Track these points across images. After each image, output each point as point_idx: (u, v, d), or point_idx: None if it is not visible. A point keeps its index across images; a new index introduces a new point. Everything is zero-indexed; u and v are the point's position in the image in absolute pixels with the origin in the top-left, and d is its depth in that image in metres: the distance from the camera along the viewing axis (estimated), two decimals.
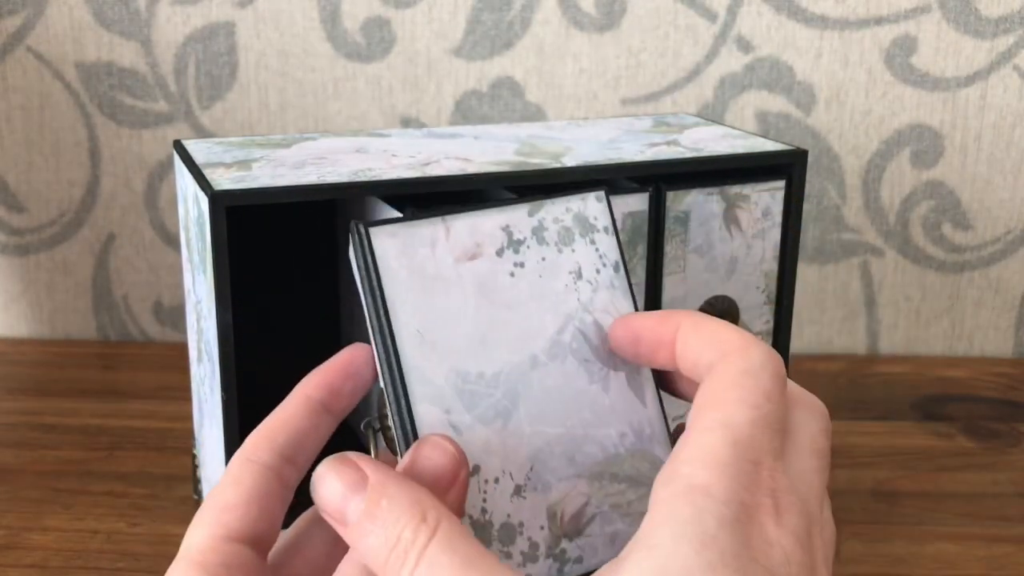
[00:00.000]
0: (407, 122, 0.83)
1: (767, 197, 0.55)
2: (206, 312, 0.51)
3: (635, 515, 0.38)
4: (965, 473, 0.68)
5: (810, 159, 0.81)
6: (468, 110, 0.83)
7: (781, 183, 0.55)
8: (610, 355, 0.39)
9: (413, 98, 0.82)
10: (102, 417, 0.75)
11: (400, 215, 0.46)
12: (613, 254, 0.40)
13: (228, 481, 0.37)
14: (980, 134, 0.82)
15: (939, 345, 0.87)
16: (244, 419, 0.50)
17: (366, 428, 0.39)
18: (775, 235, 0.56)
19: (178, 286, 0.87)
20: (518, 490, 0.37)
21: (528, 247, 0.39)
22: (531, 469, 0.37)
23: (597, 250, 0.40)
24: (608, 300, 0.40)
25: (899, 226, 0.84)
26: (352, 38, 0.81)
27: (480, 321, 0.37)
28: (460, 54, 0.81)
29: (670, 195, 0.53)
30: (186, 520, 0.64)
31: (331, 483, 0.33)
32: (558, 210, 0.40)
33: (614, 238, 0.41)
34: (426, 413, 0.36)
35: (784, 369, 0.35)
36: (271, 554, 0.39)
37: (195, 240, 0.52)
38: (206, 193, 0.47)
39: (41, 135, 0.84)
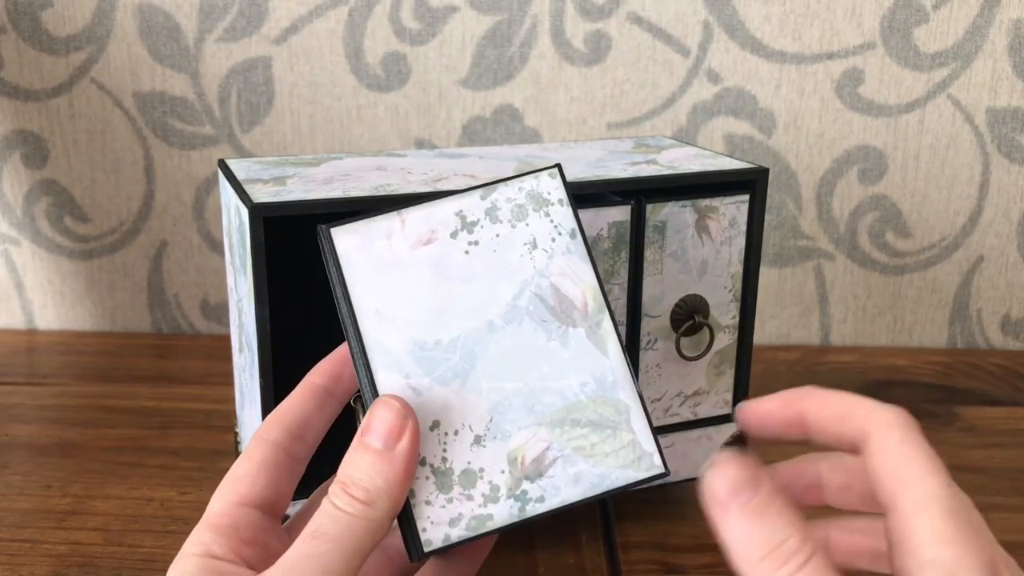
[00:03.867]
0: (421, 144, 0.83)
1: (733, 209, 0.55)
2: (246, 309, 0.51)
3: (598, 456, 0.38)
4: None
5: (771, 176, 0.81)
6: (474, 133, 0.83)
7: (745, 197, 0.55)
8: (568, 313, 0.39)
9: (426, 123, 0.82)
10: (156, 400, 0.75)
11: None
12: (568, 223, 0.40)
13: (242, 457, 0.38)
14: (919, 154, 0.82)
15: (883, 337, 0.87)
16: (279, 402, 0.50)
17: (355, 403, 0.40)
18: (740, 242, 0.56)
19: (222, 286, 0.87)
20: (477, 440, 0.37)
21: (482, 227, 0.39)
22: (490, 420, 0.37)
23: (552, 221, 0.40)
24: (565, 264, 0.39)
25: (848, 234, 0.84)
26: (373, 71, 0.81)
27: (437, 297, 0.38)
28: (467, 84, 0.81)
29: (649, 207, 0.53)
30: None
31: (731, 471, 0.33)
32: (510, 191, 0.40)
33: (569, 208, 0.40)
34: (386, 379, 0.37)
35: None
36: (289, 520, 0.39)
37: (237, 246, 0.52)
38: (246, 205, 0.47)
39: (103, 155, 0.84)
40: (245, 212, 0.47)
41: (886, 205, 0.84)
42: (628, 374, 0.39)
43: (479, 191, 0.40)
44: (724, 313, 0.56)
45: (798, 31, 0.79)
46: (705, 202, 0.54)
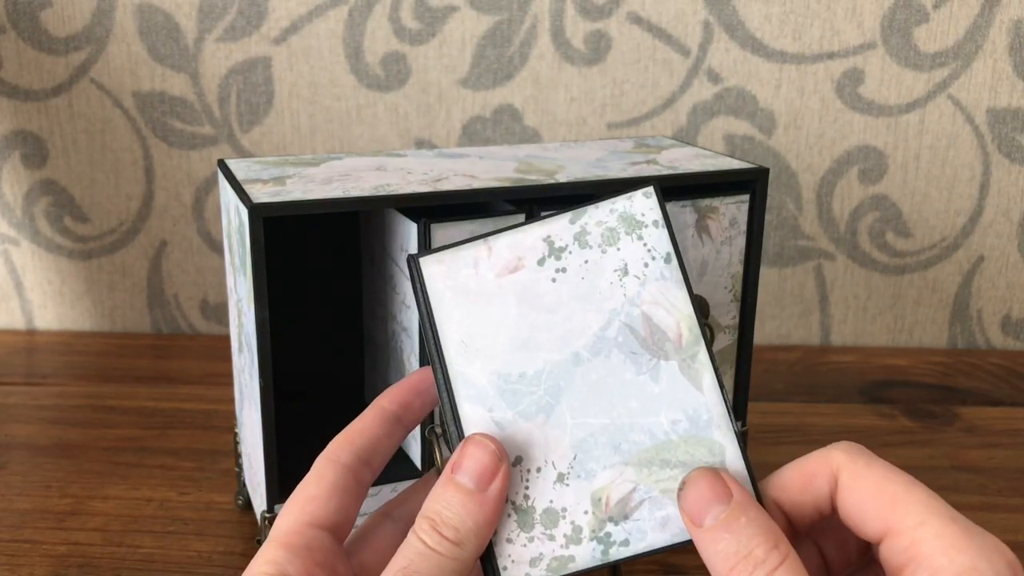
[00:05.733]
0: (420, 144, 0.83)
1: (734, 209, 0.55)
2: (246, 309, 0.51)
3: None
4: (905, 449, 0.68)
5: (771, 176, 0.81)
6: (474, 133, 0.83)
7: (746, 197, 0.55)
8: (660, 345, 0.37)
9: (426, 123, 0.82)
10: (155, 400, 0.75)
11: (415, 222, 0.45)
12: (663, 246, 0.37)
13: (312, 477, 0.37)
14: (919, 154, 0.82)
15: (883, 337, 0.87)
16: (278, 403, 0.50)
17: (430, 434, 0.39)
18: (740, 242, 0.56)
19: (221, 286, 0.87)
20: (560, 478, 0.35)
21: (570, 252, 0.37)
22: (574, 458, 0.36)
23: (645, 244, 0.37)
24: (658, 291, 0.37)
25: (848, 234, 0.84)
26: (373, 71, 0.81)
27: (522, 327, 0.36)
28: (467, 84, 0.81)
29: None
30: (228, 489, 0.64)
31: (701, 487, 0.33)
32: (601, 214, 0.38)
33: (665, 231, 0.38)
34: (470, 412, 0.36)
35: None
36: (346, 542, 0.39)
37: (236, 246, 0.52)
38: (246, 205, 0.47)
39: (103, 155, 0.84)
40: (245, 212, 0.47)
41: (886, 205, 0.84)
42: (725, 412, 0.36)
43: (568, 215, 0.38)
44: (724, 313, 0.56)
45: (798, 31, 0.79)
46: (705, 202, 0.54)
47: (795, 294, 0.86)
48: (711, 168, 0.55)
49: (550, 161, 0.57)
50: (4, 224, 0.86)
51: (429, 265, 0.37)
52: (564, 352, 0.36)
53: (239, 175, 0.53)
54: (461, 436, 0.36)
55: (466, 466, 0.34)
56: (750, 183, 0.55)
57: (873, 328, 0.87)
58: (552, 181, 0.52)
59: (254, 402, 0.51)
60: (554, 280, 0.37)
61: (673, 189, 0.54)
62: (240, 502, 0.60)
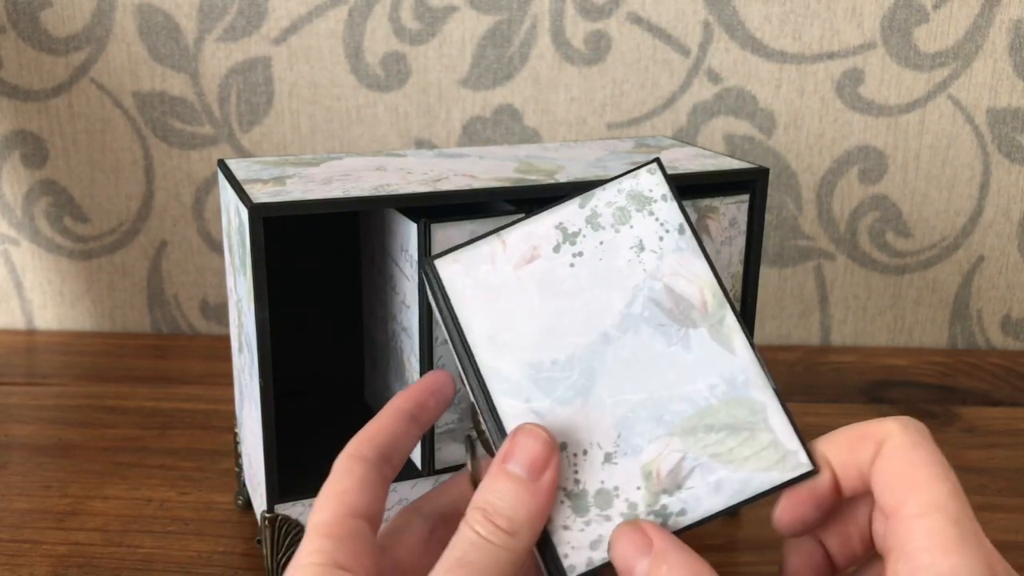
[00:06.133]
0: (420, 144, 0.83)
1: (734, 209, 0.55)
2: (246, 309, 0.51)
3: (738, 460, 0.35)
4: None
5: (771, 176, 0.81)
6: (474, 133, 0.83)
7: (746, 197, 0.55)
8: (686, 314, 0.37)
9: (426, 123, 0.82)
10: (155, 400, 0.75)
11: (417, 221, 0.44)
12: (675, 218, 0.38)
13: (341, 473, 0.37)
14: (919, 154, 0.82)
15: (883, 337, 0.87)
16: (278, 403, 0.50)
17: (466, 441, 0.39)
18: (740, 242, 0.56)
19: (221, 286, 0.87)
20: (608, 457, 0.35)
21: (584, 236, 0.37)
22: (619, 436, 0.35)
23: (657, 219, 0.38)
24: (676, 262, 0.37)
25: (848, 234, 0.84)
26: (373, 71, 0.81)
27: (546, 314, 0.36)
28: (467, 84, 0.81)
29: None
30: (228, 489, 0.64)
31: (624, 544, 0.34)
32: (609, 195, 0.38)
33: (674, 203, 0.38)
34: (508, 406, 0.35)
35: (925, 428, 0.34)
36: (377, 537, 0.39)
37: (236, 246, 0.52)
38: (246, 205, 0.47)
39: (103, 155, 0.84)
40: (245, 212, 0.47)
41: (886, 205, 0.84)
42: (760, 370, 0.37)
43: (577, 200, 0.38)
44: None
45: (798, 31, 0.79)
46: (705, 202, 0.54)
47: (795, 294, 0.86)
48: (711, 168, 0.55)
49: (550, 161, 0.57)
50: (4, 224, 0.86)
51: (446, 266, 0.37)
52: (592, 334, 0.36)
53: (239, 175, 0.53)
54: (502, 432, 0.35)
55: (518, 455, 0.34)
56: (750, 183, 0.55)
57: (873, 328, 0.87)
58: (552, 181, 0.52)
59: (254, 402, 0.51)
60: (572, 265, 0.37)
61: None
62: (240, 502, 0.60)
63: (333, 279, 0.62)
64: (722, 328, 0.37)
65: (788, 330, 0.87)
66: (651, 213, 0.38)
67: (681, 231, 0.38)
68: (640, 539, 0.33)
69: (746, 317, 0.57)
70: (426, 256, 0.37)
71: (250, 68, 0.81)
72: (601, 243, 0.37)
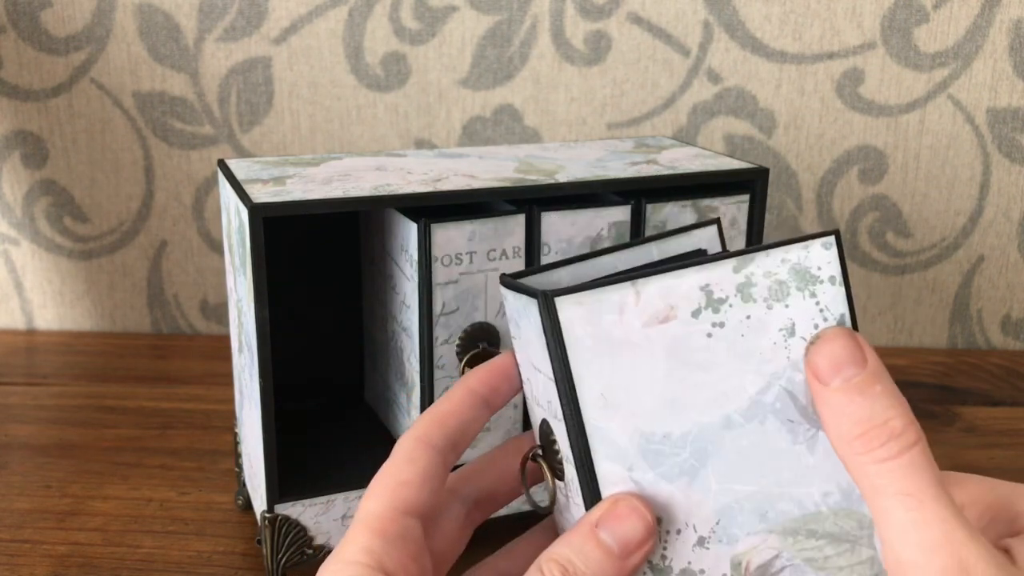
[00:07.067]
0: (420, 144, 0.83)
1: (734, 209, 0.55)
2: (246, 309, 0.51)
3: (831, 569, 0.34)
4: None
5: (771, 176, 0.81)
6: (474, 133, 0.83)
7: (746, 197, 0.55)
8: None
9: (426, 123, 0.82)
10: (155, 400, 0.75)
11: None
12: (838, 307, 0.33)
13: (403, 458, 0.35)
14: (919, 154, 0.82)
15: (884, 337, 0.87)
16: (278, 403, 0.50)
17: (534, 459, 0.37)
18: (740, 242, 0.56)
19: (221, 286, 0.87)
20: (701, 541, 0.33)
21: (731, 306, 0.33)
22: (717, 523, 0.33)
23: (818, 303, 0.33)
24: None
25: (848, 234, 0.84)
26: (373, 70, 0.81)
27: (670, 383, 0.33)
28: (467, 84, 0.81)
29: (649, 207, 0.53)
30: (228, 489, 0.64)
31: (835, 346, 0.31)
32: (771, 263, 0.33)
33: (842, 289, 0.33)
34: (608, 471, 0.33)
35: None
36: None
37: (236, 246, 0.52)
38: (246, 205, 0.47)
39: (103, 155, 0.84)
40: (245, 212, 0.47)
41: (886, 205, 0.84)
42: None
43: (732, 261, 0.33)
44: None
45: (798, 31, 0.79)
46: (705, 202, 0.54)
47: None
48: (711, 168, 0.55)
49: (550, 161, 0.57)
50: (4, 224, 0.86)
51: (567, 307, 0.33)
52: (714, 415, 0.33)
53: (239, 175, 0.53)
54: (596, 495, 0.33)
55: (615, 528, 0.32)
56: (750, 183, 0.55)
57: (873, 328, 0.87)
58: (552, 181, 0.52)
59: (254, 402, 0.51)
60: (709, 335, 0.33)
61: (673, 189, 0.54)
62: (240, 502, 0.60)
63: (333, 279, 0.62)
64: None
65: None
66: (813, 295, 0.33)
67: (841, 322, 0.33)
68: (857, 350, 0.31)
69: None
70: (545, 291, 0.33)
71: (250, 68, 0.81)
72: (748, 317, 0.33)
